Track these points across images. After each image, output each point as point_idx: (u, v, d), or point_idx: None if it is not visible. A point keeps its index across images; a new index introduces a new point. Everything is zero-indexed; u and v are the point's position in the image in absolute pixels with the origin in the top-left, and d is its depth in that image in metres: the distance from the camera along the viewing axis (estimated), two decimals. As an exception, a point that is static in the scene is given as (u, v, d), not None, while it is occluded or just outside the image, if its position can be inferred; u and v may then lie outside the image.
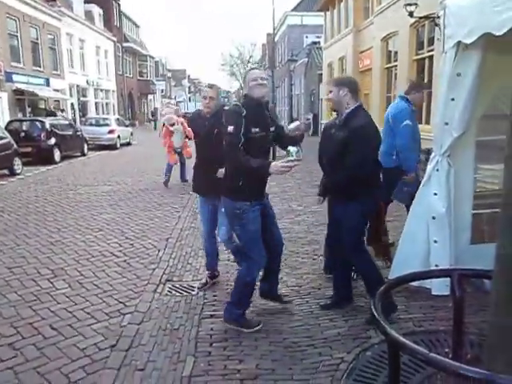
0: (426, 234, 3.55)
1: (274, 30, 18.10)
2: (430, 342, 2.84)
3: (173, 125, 5.65)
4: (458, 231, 3.61)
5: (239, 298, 3.13)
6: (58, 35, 23.12)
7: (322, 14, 22.58)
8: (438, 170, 3.48)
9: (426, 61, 11.02)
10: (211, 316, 3.37)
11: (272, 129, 3.05)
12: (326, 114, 20.13)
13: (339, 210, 3.24)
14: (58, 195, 8.54)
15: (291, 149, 2.81)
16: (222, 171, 3.21)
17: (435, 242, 3.52)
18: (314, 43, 27.36)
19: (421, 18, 10.21)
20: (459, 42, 3.08)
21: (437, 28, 9.82)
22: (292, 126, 3.30)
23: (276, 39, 39.17)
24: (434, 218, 3.51)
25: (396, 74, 12.87)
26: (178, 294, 3.87)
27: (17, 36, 19.24)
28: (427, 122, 10.25)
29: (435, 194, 3.50)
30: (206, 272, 4.10)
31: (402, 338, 1.75)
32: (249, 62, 54.46)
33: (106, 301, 3.72)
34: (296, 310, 3.44)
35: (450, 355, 2.26)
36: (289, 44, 32.70)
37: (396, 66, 12.88)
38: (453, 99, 3.26)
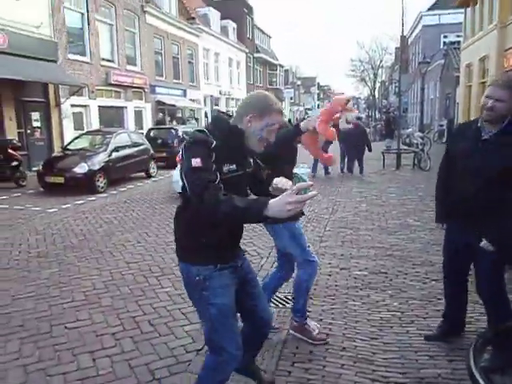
0: None
1: (402, 31, 17.02)
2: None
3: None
4: None
5: None
6: (195, 50, 25.28)
7: (462, 10, 20.61)
8: None
9: None
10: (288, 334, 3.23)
11: (250, 167, 2.12)
12: (463, 119, 18.26)
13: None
14: (181, 197, 9.22)
15: (299, 171, 2.02)
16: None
17: None
18: (452, 43, 25.16)
19: None
20: None
21: None
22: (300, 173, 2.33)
23: (410, 41, 37.07)
24: None
25: (550, 74, 11.05)
26: (273, 304, 3.81)
27: (161, 53, 21.56)
28: None
29: None
30: None
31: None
32: (380, 66, 52.60)
33: (202, 304, 3.84)
34: (393, 340, 3.10)
35: None
36: (424, 46, 30.60)
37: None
38: None
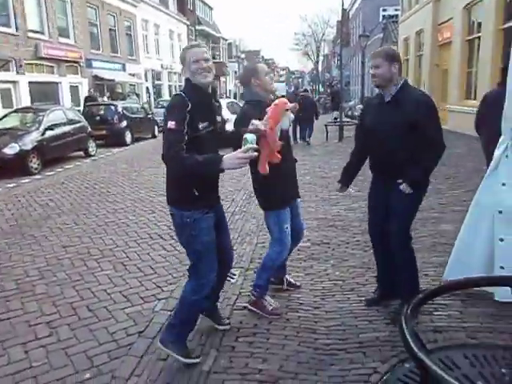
0: (491, 230, 3.08)
1: (342, 4, 17.14)
2: (483, 359, 2.44)
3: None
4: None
5: (183, 320, 2.59)
6: (134, 21, 24.05)
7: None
8: (507, 156, 2.98)
9: (515, 30, 9.78)
10: (244, 308, 3.23)
11: (219, 119, 2.60)
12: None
13: (397, 195, 2.79)
14: (122, 177, 8.89)
15: (248, 136, 2.26)
16: None
17: (501, 240, 3.03)
18: (391, 17, 25.74)
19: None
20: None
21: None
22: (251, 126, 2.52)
23: (351, 14, 37.50)
24: (500, 212, 3.02)
25: (479, 47, 11.61)
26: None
27: (96, 24, 20.30)
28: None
29: (503, 184, 3.00)
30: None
31: (434, 367, 1.35)
32: (322, 40, 52.96)
33: (144, 284, 3.73)
34: (335, 308, 3.18)
35: (507, 377, 1.90)
36: (364, 19, 31.09)
37: (479, 37, 11.61)
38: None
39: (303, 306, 3.24)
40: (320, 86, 56.04)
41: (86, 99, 16.62)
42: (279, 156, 2.71)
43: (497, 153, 3.05)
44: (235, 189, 7.29)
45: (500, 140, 3.06)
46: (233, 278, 3.79)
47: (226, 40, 45.69)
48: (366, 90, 25.89)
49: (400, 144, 2.71)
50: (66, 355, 2.73)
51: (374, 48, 24.08)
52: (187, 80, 2.39)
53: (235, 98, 33.06)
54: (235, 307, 3.25)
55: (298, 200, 3.26)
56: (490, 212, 3.07)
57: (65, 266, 4.17)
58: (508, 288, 2.85)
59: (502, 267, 3.03)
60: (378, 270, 3.28)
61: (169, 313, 3.17)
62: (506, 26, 10.23)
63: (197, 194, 2.38)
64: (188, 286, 2.58)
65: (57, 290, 3.65)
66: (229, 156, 2.18)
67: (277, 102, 2.76)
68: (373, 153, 2.98)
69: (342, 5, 18.01)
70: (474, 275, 2.98)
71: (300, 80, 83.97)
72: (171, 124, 2.21)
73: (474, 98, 12.12)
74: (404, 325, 1.57)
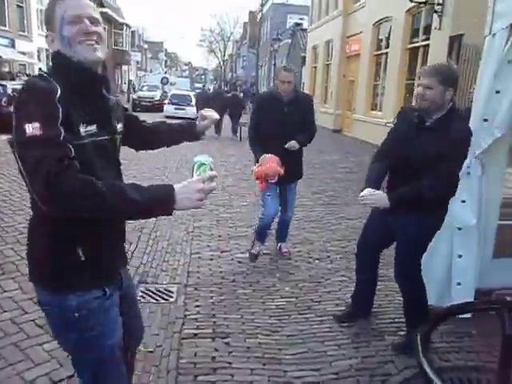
0: (450, 246, 3.07)
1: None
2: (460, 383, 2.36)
3: None
4: (482, 244, 3.15)
5: None
6: (26, -8, 21.42)
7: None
8: (469, 173, 2.98)
9: (420, 50, 10.57)
10: (195, 335, 2.79)
11: (120, 126, 1.55)
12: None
13: (406, 221, 2.51)
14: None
15: (202, 159, 1.42)
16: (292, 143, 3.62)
17: (459, 256, 3.04)
18: (298, 24, 26.54)
19: (420, 3, 9.71)
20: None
21: (435, 15, 9.38)
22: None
23: (259, 17, 38.08)
24: (459, 229, 3.02)
25: (387, 62, 12.39)
26: (152, 300, 3.27)
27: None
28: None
29: (463, 201, 3.00)
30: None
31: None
32: (229, 39, 53.11)
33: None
34: (295, 331, 2.90)
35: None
36: (272, 23, 31.74)
37: (387, 53, 12.39)
38: (498, 92, 2.73)
39: (260, 329, 2.91)
40: (223, 84, 56.08)
41: (11, 79, 14.33)
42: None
43: (458, 170, 3.04)
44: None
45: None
46: (171, 297, 3.33)
47: (130, 27, 43.21)
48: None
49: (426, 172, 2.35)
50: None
51: (282, 53, 24.37)
52: (56, 54, 1.39)
53: (134, 90, 30.82)
54: (183, 335, 2.79)
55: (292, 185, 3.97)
56: (448, 229, 3.06)
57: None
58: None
59: (458, 283, 3.04)
60: (357, 290, 3.05)
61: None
62: (412, 45, 11.03)
63: (83, 258, 1.36)
64: None
65: None
66: (183, 187, 1.26)
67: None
68: (396, 174, 2.57)
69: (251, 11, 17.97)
70: (430, 289, 2.96)
71: (203, 77, 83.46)
72: (32, 128, 1.18)
73: (380, 110, 12.92)
74: (422, 356, 1.43)
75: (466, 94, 8.71)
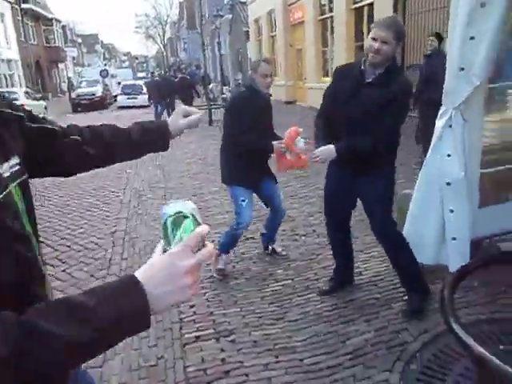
0: (440, 203, 3.01)
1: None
2: (480, 335, 2.31)
3: None
4: (469, 195, 3.12)
5: None
6: None
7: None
8: (451, 126, 2.89)
9: (365, 9, 10.48)
10: (197, 339, 2.60)
11: (13, 163, 0.83)
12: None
13: (361, 184, 2.63)
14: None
15: (179, 207, 0.76)
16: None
17: (451, 211, 2.98)
18: (235, -2, 25.86)
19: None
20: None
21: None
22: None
23: (194, -4, 36.84)
24: (448, 184, 2.95)
25: (333, 26, 12.25)
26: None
27: None
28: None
29: (449, 155, 2.92)
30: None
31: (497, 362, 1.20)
32: (167, 22, 51.30)
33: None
34: (298, 315, 2.77)
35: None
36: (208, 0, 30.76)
37: (332, 17, 12.24)
38: (472, 38, 2.62)
39: (263, 319, 2.77)
40: (167, 69, 54.50)
41: None
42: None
43: (439, 123, 2.96)
44: (119, 189, 6.33)
45: (441, 111, 2.96)
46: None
47: (60, 22, 40.85)
48: (225, 72, 25.82)
49: (371, 128, 2.41)
50: None
51: (224, 30, 23.59)
52: None
53: (72, 87, 28.81)
54: (184, 340, 2.61)
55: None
56: (437, 184, 2.99)
57: None
58: (459, 256, 2.88)
59: (453, 238, 3.00)
60: (337, 260, 3.03)
61: (99, 370, 2.37)
62: (356, 5, 10.92)
63: None
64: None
65: None
66: (159, 272, 0.68)
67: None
68: (341, 136, 2.57)
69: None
70: (426, 248, 2.93)
71: (145, 65, 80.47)
72: None
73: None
74: (449, 316, 1.41)
75: (417, 48, 8.77)
